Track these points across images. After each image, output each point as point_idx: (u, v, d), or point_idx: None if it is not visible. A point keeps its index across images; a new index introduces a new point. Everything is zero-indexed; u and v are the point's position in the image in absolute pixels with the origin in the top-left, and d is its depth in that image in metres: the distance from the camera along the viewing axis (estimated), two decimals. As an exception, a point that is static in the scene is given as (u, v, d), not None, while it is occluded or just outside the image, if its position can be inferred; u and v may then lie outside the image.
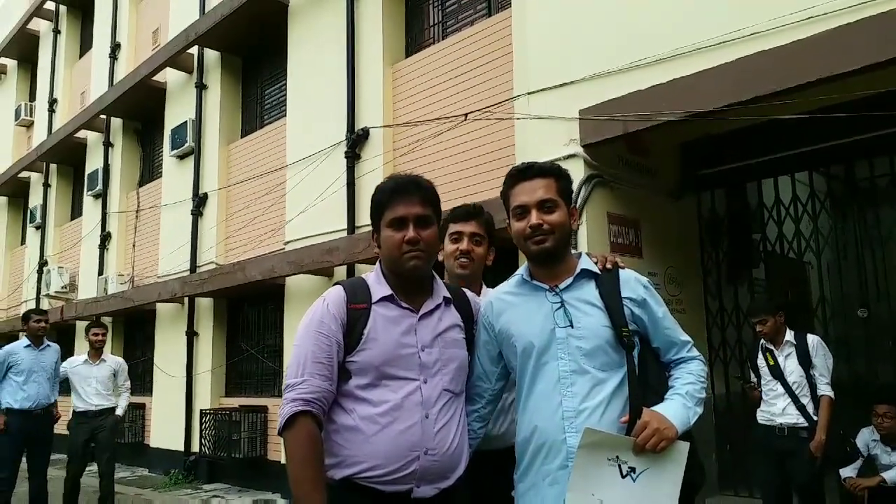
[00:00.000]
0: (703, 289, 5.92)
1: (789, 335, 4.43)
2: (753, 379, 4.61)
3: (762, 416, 4.46)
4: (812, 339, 4.36)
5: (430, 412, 1.91)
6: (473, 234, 2.51)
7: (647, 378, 1.94)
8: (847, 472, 4.53)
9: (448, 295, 2.08)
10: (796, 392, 4.27)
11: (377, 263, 2.09)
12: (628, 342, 1.91)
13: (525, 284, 2.04)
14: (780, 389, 4.33)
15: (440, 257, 2.51)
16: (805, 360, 4.28)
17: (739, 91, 4.10)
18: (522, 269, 2.08)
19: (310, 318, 1.97)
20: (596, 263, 2.03)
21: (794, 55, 3.87)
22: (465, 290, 2.22)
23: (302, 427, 1.84)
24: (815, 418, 4.21)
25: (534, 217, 1.95)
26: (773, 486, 4.42)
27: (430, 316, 2.00)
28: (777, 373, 4.35)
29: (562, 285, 1.98)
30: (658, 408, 1.85)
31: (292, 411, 1.85)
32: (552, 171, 2.03)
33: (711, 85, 4.21)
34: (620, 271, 2.02)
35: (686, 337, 2.04)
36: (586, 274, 2.00)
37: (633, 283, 2.00)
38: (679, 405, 1.87)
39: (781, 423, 4.32)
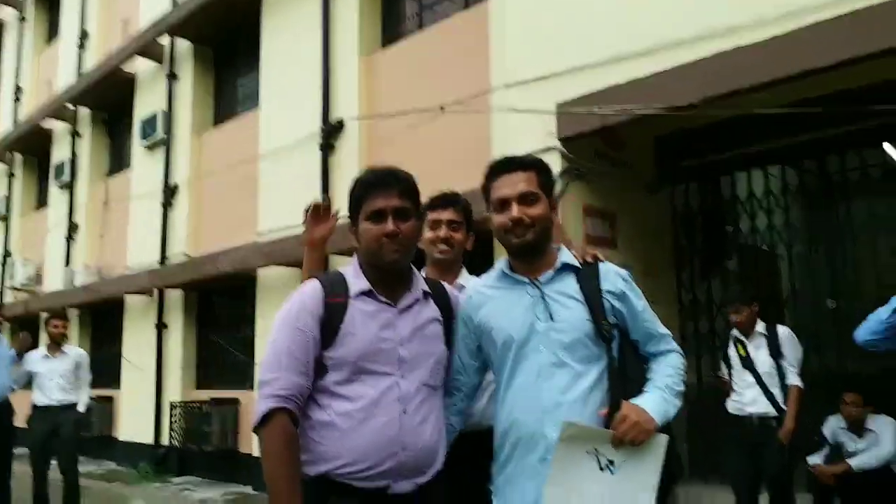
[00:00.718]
0: (677, 281, 5.97)
1: (760, 326, 4.49)
2: (724, 370, 4.67)
3: (732, 405, 4.52)
4: (783, 331, 4.43)
5: (409, 407, 1.88)
6: (451, 221, 2.53)
7: (626, 371, 1.94)
8: (814, 459, 4.61)
9: (427, 289, 2.05)
10: (766, 382, 4.33)
11: (354, 256, 2.05)
12: (608, 335, 1.90)
13: (505, 278, 2.03)
14: (751, 379, 4.39)
15: (420, 244, 2.51)
16: (776, 351, 4.35)
17: (716, 85, 4.13)
18: (502, 263, 2.06)
19: (286, 312, 1.93)
20: (576, 257, 2.02)
21: (771, 50, 3.90)
22: (443, 283, 2.20)
23: (277, 423, 1.80)
24: (784, 408, 4.27)
25: (515, 210, 1.94)
26: (743, 476, 4.48)
27: (408, 310, 1.97)
28: (748, 363, 4.41)
29: (542, 278, 1.97)
30: (637, 401, 1.84)
31: (268, 408, 1.81)
32: (534, 165, 2.02)
33: (689, 79, 4.24)
34: (600, 265, 2.01)
35: (665, 330, 2.05)
36: (566, 267, 1.99)
37: (612, 276, 1.99)
38: (658, 398, 1.88)
39: (751, 413, 4.39)
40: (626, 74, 4.54)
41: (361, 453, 1.82)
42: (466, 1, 6.88)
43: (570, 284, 1.96)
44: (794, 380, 4.30)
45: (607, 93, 4.61)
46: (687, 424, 5.74)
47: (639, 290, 2.03)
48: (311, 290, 1.94)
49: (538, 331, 1.92)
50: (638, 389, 1.91)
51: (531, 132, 5.03)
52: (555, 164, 4.92)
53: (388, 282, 1.97)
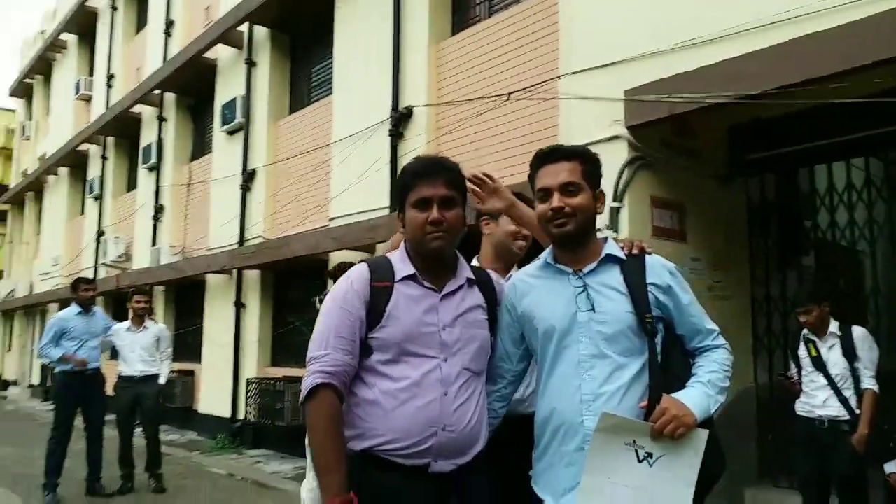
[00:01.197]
0: (750, 275, 5.78)
1: (834, 326, 4.29)
2: (793, 370, 4.50)
3: (802, 407, 4.35)
4: (858, 331, 4.22)
5: (450, 390, 1.93)
6: None
7: (669, 365, 1.92)
8: (891, 467, 4.39)
9: (472, 276, 2.09)
10: (839, 384, 4.15)
11: (402, 243, 2.11)
12: (651, 328, 1.89)
13: (548, 267, 2.04)
14: (822, 381, 4.21)
15: (500, 237, 2.53)
16: (850, 353, 4.15)
17: (791, 74, 3.96)
18: (546, 253, 2.07)
19: (334, 294, 2.01)
20: (622, 248, 2.01)
21: (849, 36, 3.71)
22: (490, 271, 2.23)
23: (323, 398, 1.89)
24: (857, 412, 4.08)
25: (555, 200, 1.95)
26: (812, 480, 4.32)
27: (452, 296, 2.02)
28: (819, 364, 4.23)
29: (585, 269, 1.97)
30: (678, 395, 1.83)
31: (314, 383, 1.89)
32: (578, 154, 2.01)
33: (761, 67, 4.08)
34: (647, 257, 2.00)
35: (712, 325, 2.01)
36: (611, 259, 1.98)
37: (658, 268, 1.98)
38: (700, 393, 1.85)
39: (821, 416, 4.21)
40: (696, 61, 4.41)
41: (403, 431, 1.89)
42: (537, -13, 6.81)
43: (614, 276, 1.96)
44: (868, 383, 4.10)
45: (677, 80, 4.49)
46: (757, 424, 5.60)
47: (686, 284, 2.01)
48: (359, 273, 2.02)
49: (580, 321, 1.93)
50: (680, 384, 1.89)
51: (598, 120, 4.96)
52: (622, 153, 4.85)
53: (433, 268, 2.02)
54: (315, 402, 1.89)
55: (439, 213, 1.96)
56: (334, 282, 5.05)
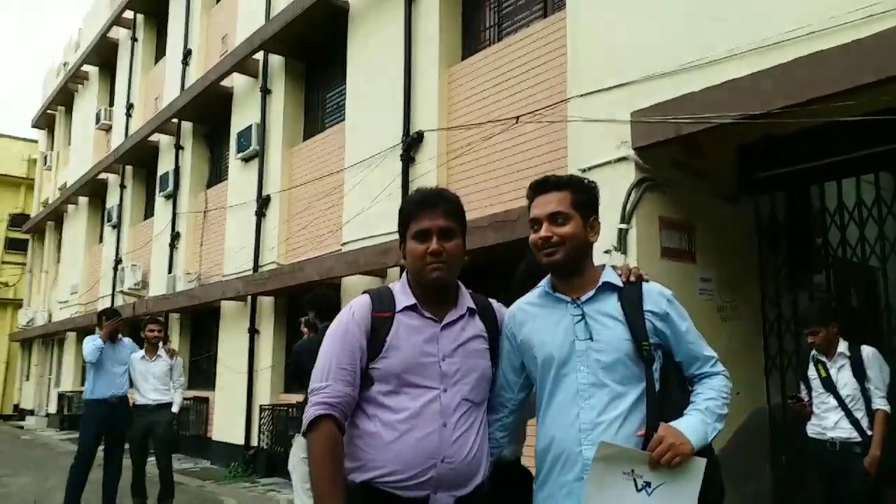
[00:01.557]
0: (761, 295, 5.74)
1: (843, 346, 4.24)
2: (804, 392, 4.44)
3: (813, 429, 4.29)
4: (867, 351, 4.17)
5: (449, 421, 1.94)
6: None
7: (667, 393, 1.92)
8: (908, 487, 4.33)
9: (473, 305, 2.10)
10: (850, 405, 4.10)
11: (403, 273, 2.13)
12: (648, 356, 1.89)
13: (547, 296, 2.05)
14: (833, 402, 4.16)
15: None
16: (860, 373, 4.10)
17: (796, 92, 3.96)
18: (545, 281, 2.08)
19: (336, 325, 2.03)
20: (620, 276, 2.02)
21: (853, 55, 3.71)
22: (491, 300, 2.24)
23: (324, 430, 1.90)
24: (869, 433, 4.02)
25: (543, 230, 1.97)
26: (824, 502, 4.26)
27: (452, 326, 2.03)
28: (829, 385, 4.18)
29: (583, 298, 1.98)
30: (676, 423, 1.82)
31: (316, 414, 1.91)
32: (568, 184, 2.03)
33: (768, 86, 4.08)
34: (644, 284, 2.00)
35: (710, 352, 2.01)
36: (608, 287, 1.99)
37: (655, 296, 1.98)
38: (697, 421, 1.85)
39: (833, 438, 4.15)
40: (702, 82, 4.42)
41: (403, 463, 1.89)
42: (545, 10, 6.89)
43: (612, 304, 1.96)
44: (879, 403, 4.05)
45: (683, 101, 4.50)
46: (771, 445, 5.53)
47: (684, 311, 2.01)
48: (361, 304, 2.04)
49: (578, 350, 1.93)
50: (678, 412, 1.88)
51: (606, 142, 4.98)
52: (629, 174, 4.84)
53: (433, 298, 2.04)
54: (316, 434, 1.90)
55: (438, 244, 1.98)
56: (312, 310, 5.12)
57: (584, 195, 2.03)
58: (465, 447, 1.95)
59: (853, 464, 4.03)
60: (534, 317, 2.05)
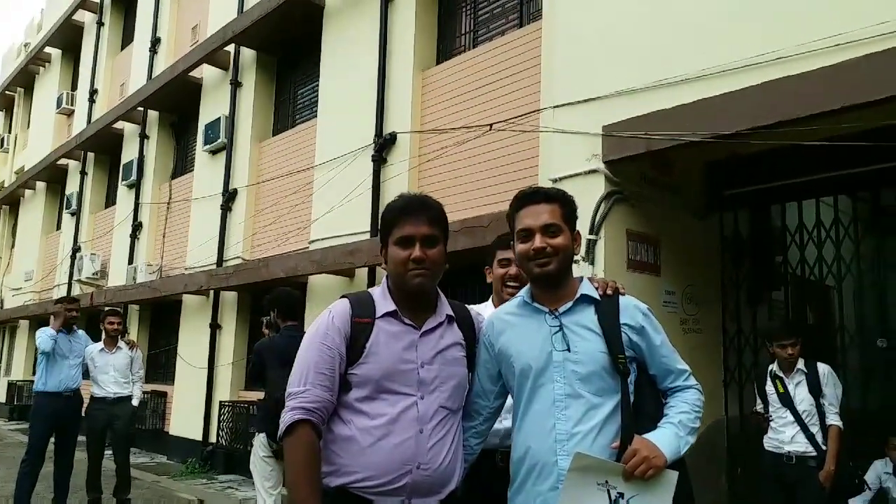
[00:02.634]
0: (722, 309, 5.88)
1: (800, 363, 4.39)
2: (759, 406, 4.57)
3: (770, 443, 4.42)
4: (822, 368, 4.32)
5: (426, 428, 1.96)
6: None
7: (642, 405, 1.97)
8: (857, 502, 4.48)
9: (451, 313, 2.13)
10: (806, 421, 4.24)
11: (384, 279, 2.14)
12: (623, 369, 1.94)
13: (526, 306, 2.09)
14: (790, 417, 4.29)
15: (488, 279, 2.68)
16: (815, 389, 4.25)
17: (764, 115, 4.08)
18: (524, 291, 2.12)
19: (315, 329, 2.03)
20: (597, 289, 2.07)
21: (820, 81, 3.84)
22: (469, 307, 2.27)
23: (301, 434, 1.91)
24: (824, 448, 4.17)
25: (537, 240, 2.01)
26: None
27: (431, 333, 2.05)
28: (787, 400, 4.31)
29: (561, 309, 2.02)
30: (649, 436, 1.88)
31: (293, 419, 1.91)
32: (557, 197, 2.08)
33: (736, 107, 4.20)
34: (620, 298, 2.06)
35: (683, 366, 2.07)
36: (586, 299, 2.04)
37: (632, 309, 2.03)
38: (671, 434, 1.90)
39: (790, 451, 4.29)
40: (673, 100, 4.53)
41: (378, 469, 1.91)
42: (521, 20, 6.95)
43: (589, 316, 2.01)
44: (833, 419, 4.20)
45: (653, 117, 4.60)
46: (728, 457, 5.67)
47: (659, 325, 2.06)
48: (340, 309, 2.05)
49: (555, 361, 1.97)
50: (652, 424, 1.94)
51: (577, 154, 5.05)
52: (599, 186, 4.93)
53: (413, 305, 2.06)
54: (293, 438, 1.91)
55: (421, 252, 2.00)
56: (273, 309, 5.10)
57: (570, 209, 2.08)
58: (441, 454, 1.97)
59: (809, 477, 4.16)
60: (512, 326, 2.09)
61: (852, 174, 5.07)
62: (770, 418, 4.48)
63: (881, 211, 5.88)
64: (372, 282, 7.42)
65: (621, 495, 1.83)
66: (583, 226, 4.80)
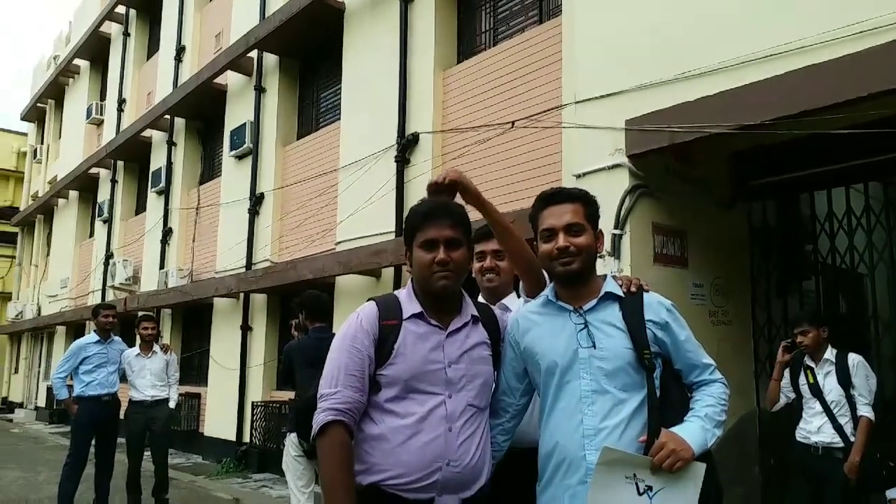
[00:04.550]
0: (752, 300, 5.84)
1: (830, 353, 4.33)
2: (792, 394, 4.51)
3: (800, 433, 4.38)
4: (853, 359, 4.26)
5: (454, 426, 2.00)
6: (495, 251, 2.69)
7: (668, 399, 1.98)
8: (893, 493, 4.42)
9: (476, 313, 2.16)
10: (834, 411, 4.19)
11: (409, 281, 2.18)
12: (649, 364, 1.96)
13: (550, 304, 2.11)
14: (819, 408, 4.25)
15: (473, 274, 2.68)
16: (845, 379, 4.19)
17: (788, 105, 4.05)
18: (548, 290, 2.15)
19: (344, 332, 2.08)
20: (621, 286, 2.09)
21: (844, 70, 3.80)
22: (493, 308, 2.30)
23: (334, 435, 1.95)
24: (852, 439, 4.12)
25: (561, 240, 2.03)
26: None
27: (457, 333, 2.09)
28: (816, 391, 4.27)
29: (586, 307, 2.04)
30: (676, 429, 1.89)
31: (326, 420, 1.96)
32: (580, 197, 2.10)
33: (760, 98, 4.17)
34: (644, 294, 2.07)
35: (709, 360, 2.08)
36: (610, 296, 2.06)
37: (656, 306, 2.05)
38: (697, 427, 1.92)
39: (817, 442, 4.24)
40: (696, 92, 4.51)
41: (409, 466, 1.95)
42: (540, 16, 6.95)
43: (613, 313, 2.03)
44: (864, 410, 4.13)
45: (676, 110, 4.58)
46: (760, 448, 5.63)
47: (683, 321, 2.08)
48: (368, 312, 2.09)
49: (581, 358, 2.00)
50: (678, 418, 1.95)
51: (600, 149, 5.05)
52: (623, 181, 4.92)
53: (439, 306, 2.09)
54: (326, 439, 1.95)
55: (446, 254, 2.03)
56: (301, 312, 5.17)
57: (592, 209, 2.10)
58: (470, 451, 2.01)
59: (834, 469, 4.11)
60: (537, 324, 2.12)
61: (883, 160, 5.00)
62: (800, 408, 4.43)
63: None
64: (398, 281, 7.48)
65: (650, 488, 1.85)
66: (607, 221, 4.83)
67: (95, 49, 17.85)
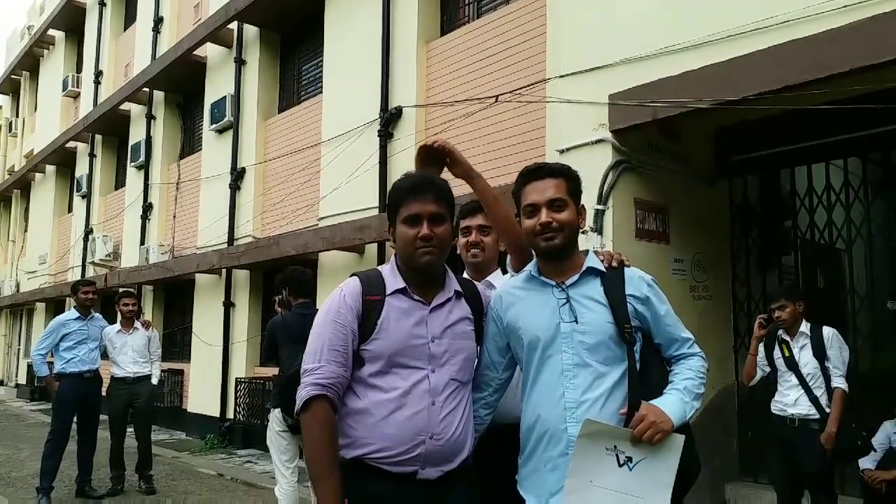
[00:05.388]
0: (732, 276, 5.91)
1: (805, 326, 4.40)
2: (767, 367, 4.58)
3: (775, 406, 4.46)
4: (827, 332, 4.33)
5: (437, 400, 2.01)
6: (481, 227, 2.70)
7: (647, 373, 2.01)
8: (866, 463, 4.53)
9: (459, 289, 2.17)
10: (810, 383, 4.26)
11: (393, 256, 2.18)
12: (630, 338, 1.98)
13: (533, 280, 2.12)
14: (794, 381, 4.32)
15: (457, 250, 2.67)
16: (820, 352, 4.26)
17: (771, 80, 4.06)
18: (531, 265, 2.15)
19: (327, 307, 2.08)
20: (602, 261, 2.10)
21: (826, 44, 3.81)
22: (476, 283, 2.31)
23: (318, 410, 1.96)
24: (827, 411, 4.19)
25: (544, 215, 2.03)
26: (783, 477, 4.44)
27: (440, 308, 2.09)
28: (791, 364, 4.34)
29: (568, 282, 2.06)
30: (656, 401, 1.92)
31: (309, 395, 1.97)
32: (562, 172, 2.10)
33: (743, 73, 4.18)
34: (626, 269, 2.09)
35: (687, 334, 2.11)
36: (592, 271, 2.07)
37: (636, 280, 2.06)
38: (676, 399, 1.94)
39: (793, 414, 4.32)
40: (679, 66, 4.50)
41: (392, 440, 1.97)
42: (525, -11, 6.88)
43: (595, 288, 2.04)
44: (838, 382, 4.21)
45: (660, 84, 4.58)
46: (739, 421, 5.73)
47: (663, 295, 2.10)
48: (352, 287, 2.09)
49: (563, 332, 2.01)
50: (658, 391, 1.98)
51: (584, 123, 5.05)
52: (606, 156, 4.92)
53: (422, 281, 2.10)
54: (310, 413, 1.96)
55: (429, 229, 2.03)
56: (285, 288, 5.16)
57: (575, 184, 2.10)
58: (453, 425, 2.03)
59: (810, 440, 4.18)
60: (520, 299, 2.13)
61: (862, 136, 5.05)
62: (774, 381, 4.50)
63: (893, 172, 5.84)
64: (382, 257, 7.47)
65: (630, 459, 1.88)
66: (590, 196, 4.84)
67: (70, 19, 17.44)
